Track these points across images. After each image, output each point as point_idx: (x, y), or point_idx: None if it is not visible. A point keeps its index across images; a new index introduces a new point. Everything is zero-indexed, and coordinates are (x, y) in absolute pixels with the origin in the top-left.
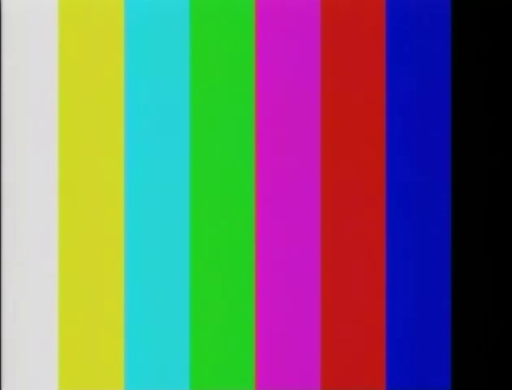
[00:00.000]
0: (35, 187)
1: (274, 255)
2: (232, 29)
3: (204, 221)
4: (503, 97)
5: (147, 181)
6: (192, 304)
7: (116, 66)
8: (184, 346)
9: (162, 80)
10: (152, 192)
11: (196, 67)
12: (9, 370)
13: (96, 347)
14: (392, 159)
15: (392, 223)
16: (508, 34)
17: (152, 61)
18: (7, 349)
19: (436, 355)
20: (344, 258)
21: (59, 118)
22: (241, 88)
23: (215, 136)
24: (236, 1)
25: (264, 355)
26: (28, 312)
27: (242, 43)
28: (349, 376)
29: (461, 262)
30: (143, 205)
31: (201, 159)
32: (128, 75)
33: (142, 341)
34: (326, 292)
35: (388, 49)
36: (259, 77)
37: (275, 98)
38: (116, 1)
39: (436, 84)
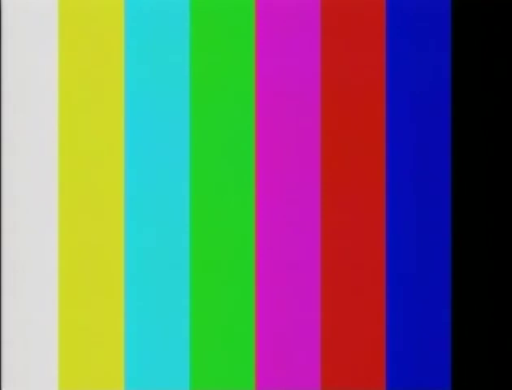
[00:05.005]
0: (35, 186)
1: (274, 255)
2: (232, 29)
3: (204, 221)
4: (503, 97)
5: (147, 180)
6: (192, 304)
7: (116, 65)
8: (184, 346)
9: (162, 80)
10: (152, 192)
11: (196, 66)
12: (9, 370)
13: (96, 347)
14: (392, 158)
15: (392, 223)
16: (508, 34)
17: (152, 61)
18: (7, 349)
19: (436, 355)
20: (345, 258)
21: (59, 118)
22: (241, 87)
23: (215, 136)
24: (236, 1)
25: (264, 355)
26: (28, 312)
27: (242, 43)
28: (349, 376)
29: (461, 261)
30: (143, 204)
31: (201, 159)
32: (128, 75)
33: (142, 341)
34: (326, 291)
35: (388, 49)
36: (259, 77)
37: (275, 98)
38: (116, 1)
39: (436, 83)
